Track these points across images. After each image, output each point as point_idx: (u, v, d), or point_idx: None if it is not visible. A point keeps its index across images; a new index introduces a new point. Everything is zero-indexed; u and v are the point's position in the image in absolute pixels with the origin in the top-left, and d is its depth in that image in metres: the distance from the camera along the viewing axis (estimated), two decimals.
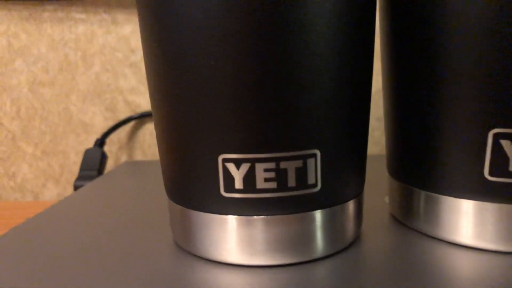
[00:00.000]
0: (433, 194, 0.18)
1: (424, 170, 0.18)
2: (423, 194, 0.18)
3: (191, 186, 0.16)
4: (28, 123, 0.43)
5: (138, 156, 0.43)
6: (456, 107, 0.16)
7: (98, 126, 0.43)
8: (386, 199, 0.24)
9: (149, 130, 0.43)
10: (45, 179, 0.43)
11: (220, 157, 0.15)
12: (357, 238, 0.19)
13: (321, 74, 0.15)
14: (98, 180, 0.32)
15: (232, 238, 0.16)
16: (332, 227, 0.17)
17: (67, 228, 0.21)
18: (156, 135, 0.18)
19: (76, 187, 0.36)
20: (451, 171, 0.17)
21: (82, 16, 0.42)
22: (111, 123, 0.43)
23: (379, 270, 0.16)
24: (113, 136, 0.43)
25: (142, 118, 0.42)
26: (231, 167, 0.15)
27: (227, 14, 0.14)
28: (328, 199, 0.16)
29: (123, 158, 0.44)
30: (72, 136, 0.43)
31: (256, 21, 0.14)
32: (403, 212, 0.20)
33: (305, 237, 0.16)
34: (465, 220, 0.17)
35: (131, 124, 0.43)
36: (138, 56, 0.42)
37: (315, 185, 0.16)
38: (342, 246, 0.17)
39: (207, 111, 0.15)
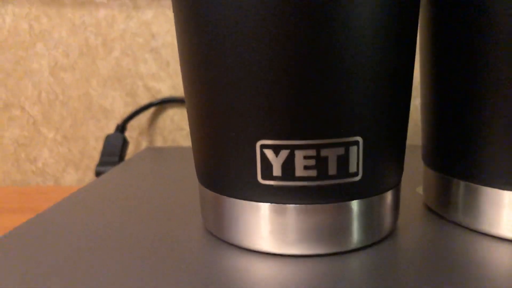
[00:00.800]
0: (474, 185, 0.17)
1: (465, 160, 0.17)
2: (463, 184, 0.18)
3: (227, 173, 0.16)
4: (49, 108, 0.43)
5: (159, 142, 0.43)
6: (500, 99, 0.16)
7: (118, 111, 0.43)
8: (419, 189, 0.23)
9: (169, 116, 0.43)
10: (65, 164, 0.43)
11: (258, 143, 0.15)
12: (394, 229, 0.18)
13: (364, 61, 0.14)
14: (121, 166, 0.32)
15: (267, 226, 0.16)
16: (370, 218, 0.16)
17: (93, 213, 0.21)
18: (189, 120, 0.18)
19: (97, 173, 0.36)
20: (494, 162, 0.16)
21: (103, 0, 0.42)
22: (131, 109, 0.42)
23: (416, 262, 0.16)
24: (133, 122, 0.42)
25: (162, 104, 0.42)
26: (269, 153, 0.15)
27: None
28: (368, 189, 0.16)
29: (144, 144, 0.43)
30: (92, 121, 0.43)
31: (299, 5, 0.13)
32: (440, 203, 0.19)
33: (341, 228, 0.16)
34: (507, 212, 0.17)
35: (151, 110, 0.42)
36: (159, 41, 0.42)
37: (356, 173, 0.15)
38: (379, 238, 0.17)
39: (245, 96, 0.15)
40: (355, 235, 0.16)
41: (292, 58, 0.14)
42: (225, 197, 0.17)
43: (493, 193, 0.17)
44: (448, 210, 0.19)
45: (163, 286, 0.14)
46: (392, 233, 0.18)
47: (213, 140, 0.16)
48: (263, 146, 0.15)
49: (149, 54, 0.42)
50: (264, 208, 0.16)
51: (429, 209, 0.21)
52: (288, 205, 0.15)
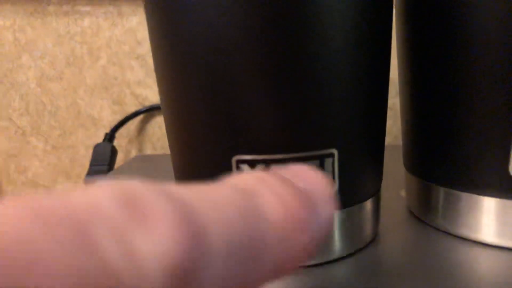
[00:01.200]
0: (454, 191, 0.18)
1: (445, 167, 0.18)
2: (443, 191, 0.18)
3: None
4: (37, 119, 0.43)
5: (148, 149, 0.43)
6: (479, 104, 0.16)
7: (106, 119, 0.43)
8: (403, 192, 0.23)
9: (157, 123, 0.43)
10: (56, 174, 0.43)
11: (234, 159, 0.15)
12: (376, 236, 0.18)
13: (337, 71, 0.14)
14: (111, 175, 0.32)
15: None
16: (350, 227, 0.16)
17: None
18: (167, 135, 0.18)
19: (87, 183, 0.36)
20: (474, 168, 0.17)
21: (87, 9, 0.42)
22: (119, 117, 0.42)
23: (398, 268, 0.16)
24: (122, 130, 0.42)
25: (150, 111, 0.42)
26: (245, 168, 0.15)
27: (239, 9, 0.13)
28: (346, 199, 0.16)
29: (133, 152, 0.43)
30: (81, 130, 0.43)
31: (270, 16, 0.13)
32: (421, 209, 0.20)
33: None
34: (487, 218, 0.17)
35: (139, 117, 0.42)
36: (145, 48, 0.42)
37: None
38: (360, 246, 0.17)
39: (219, 111, 0.15)
40: (336, 245, 0.16)
41: (263, 71, 0.14)
42: None
43: (472, 199, 0.17)
44: (430, 215, 0.19)
45: None
46: (374, 239, 0.18)
47: (190, 155, 0.16)
48: (239, 161, 0.15)
49: (135, 61, 0.42)
50: None
51: (411, 213, 0.21)
52: None
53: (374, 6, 0.15)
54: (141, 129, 0.43)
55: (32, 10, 0.41)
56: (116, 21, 0.42)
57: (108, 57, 0.42)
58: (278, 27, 0.13)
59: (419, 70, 0.18)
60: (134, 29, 0.42)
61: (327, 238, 0.16)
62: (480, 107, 0.16)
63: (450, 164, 0.17)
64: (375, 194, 0.17)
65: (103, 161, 0.38)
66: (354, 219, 0.17)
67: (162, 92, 0.17)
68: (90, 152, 0.43)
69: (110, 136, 0.39)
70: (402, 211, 0.21)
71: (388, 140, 0.42)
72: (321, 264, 0.16)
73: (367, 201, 0.17)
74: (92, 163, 0.38)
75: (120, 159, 0.43)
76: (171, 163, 0.19)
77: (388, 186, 0.24)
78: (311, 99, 0.14)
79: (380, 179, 0.18)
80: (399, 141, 0.42)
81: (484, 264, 0.16)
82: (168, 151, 0.44)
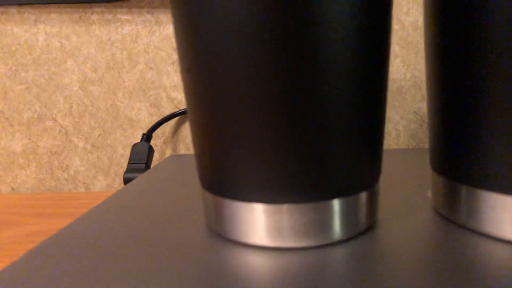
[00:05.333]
0: (478, 190, 0.19)
1: (470, 166, 0.19)
2: (466, 189, 0.19)
3: (228, 177, 0.18)
4: (79, 119, 0.46)
5: (181, 149, 0.46)
6: (502, 102, 0.17)
7: (143, 121, 0.45)
8: (429, 193, 0.25)
9: None
10: (95, 171, 0.46)
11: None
12: (371, 226, 0.20)
13: (336, 65, 0.16)
14: (148, 173, 0.34)
15: (260, 223, 0.18)
16: (348, 215, 0.18)
17: (125, 217, 0.24)
18: (192, 135, 0.20)
19: (125, 179, 0.39)
20: (498, 167, 0.18)
21: (128, 17, 0.44)
22: (155, 118, 0.45)
23: (418, 263, 0.17)
24: (157, 131, 0.45)
25: (185, 114, 0.44)
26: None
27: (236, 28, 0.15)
28: (344, 189, 0.18)
29: (168, 151, 0.46)
30: (119, 131, 0.45)
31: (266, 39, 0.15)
32: (447, 207, 0.21)
33: (325, 223, 0.18)
34: (509, 216, 0.18)
35: (174, 119, 0.45)
36: None
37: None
38: (357, 232, 0.19)
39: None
40: (337, 229, 0.18)
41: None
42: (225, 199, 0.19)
43: (496, 198, 0.18)
44: (454, 213, 0.20)
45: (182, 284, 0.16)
46: (372, 228, 0.20)
47: (212, 146, 0.18)
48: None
49: (171, 67, 0.45)
50: (257, 208, 0.18)
51: (437, 212, 0.22)
52: (279, 205, 0.18)
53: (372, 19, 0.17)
54: (175, 131, 0.45)
55: (77, 19, 0.45)
56: (154, 29, 0.44)
57: (145, 62, 0.45)
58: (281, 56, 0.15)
59: (447, 71, 0.19)
60: (171, 36, 0.44)
61: (328, 222, 0.18)
62: (501, 107, 0.17)
63: (475, 163, 0.19)
64: (373, 186, 0.19)
65: (141, 160, 0.40)
66: (352, 207, 0.18)
67: (186, 88, 0.19)
68: (127, 151, 0.45)
69: (147, 136, 0.42)
70: (428, 211, 0.22)
71: (413, 143, 0.43)
72: (323, 246, 0.18)
73: (366, 190, 0.19)
74: (130, 161, 0.40)
75: (155, 159, 0.45)
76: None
77: (414, 188, 0.26)
78: (312, 91, 0.16)
79: (378, 171, 0.20)
80: (424, 145, 0.43)
81: (505, 260, 0.17)
82: None
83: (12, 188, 0.47)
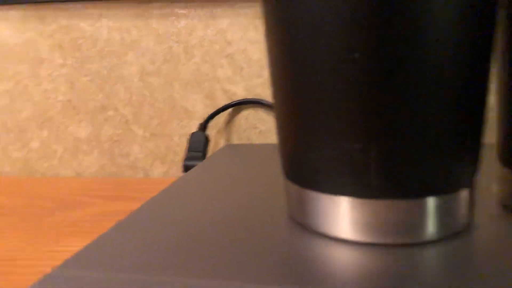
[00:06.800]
0: None
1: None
2: None
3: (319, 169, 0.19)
4: (138, 109, 0.48)
5: (234, 139, 0.48)
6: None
7: (198, 112, 0.47)
8: (495, 188, 0.25)
9: (243, 116, 0.47)
10: (153, 159, 0.49)
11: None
12: (468, 227, 0.20)
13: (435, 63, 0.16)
14: (207, 161, 0.37)
15: (346, 217, 0.18)
16: (444, 214, 0.18)
17: (192, 201, 0.26)
18: (277, 123, 0.21)
19: (185, 166, 0.41)
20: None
21: (184, 11, 0.46)
22: (209, 109, 0.47)
23: (488, 257, 0.17)
24: (212, 121, 0.47)
25: (238, 105, 0.46)
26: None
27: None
28: (440, 186, 0.17)
29: (221, 141, 0.48)
30: (175, 120, 0.48)
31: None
32: None
33: (417, 221, 0.18)
34: None
35: (228, 110, 0.47)
36: (234, 47, 0.46)
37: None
38: (451, 232, 0.19)
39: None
40: (430, 228, 0.18)
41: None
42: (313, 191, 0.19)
43: None
44: None
45: (251, 268, 0.17)
46: (467, 229, 0.20)
47: (304, 142, 0.19)
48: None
49: (225, 59, 0.46)
50: (345, 201, 0.18)
51: (505, 207, 0.22)
52: (365, 199, 0.17)
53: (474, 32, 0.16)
54: (228, 121, 0.47)
55: (137, 14, 0.47)
56: (209, 23, 0.46)
57: (201, 55, 0.47)
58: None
59: None
60: (225, 30, 0.46)
61: (420, 221, 0.17)
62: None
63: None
64: (471, 183, 0.19)
65: (198, 149, 0.43)
66: (448, 205, 0.18)
67: (274, 77, 0.19)
68: (183, 140, 0.48)
69: (203, 126, 0.44)
70: (495, 206, 0.23)
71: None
72: (411, 244, 0.18)
73: (463, 189, 0.18)
74: (189, 149, 0.43)
75: (210, 148, 0.48)
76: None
77: (481, 181, 0.25)
78: (416, 81, 0.16)
79: (477, 167, 0.19)
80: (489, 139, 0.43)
81: None
82: (252, 141, 0.48)
83: (77, 173, 0.50)
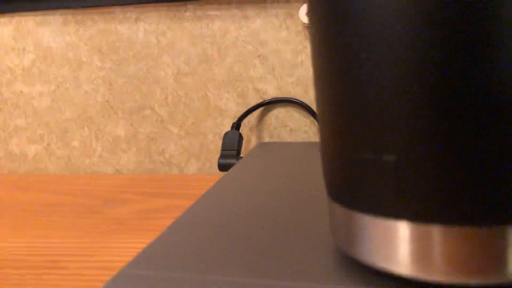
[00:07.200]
0: None
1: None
2: None
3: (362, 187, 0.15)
4: (174, 109, 0.50)
5: (266, 137, 0.49)
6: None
7: (231, 110, 0.49)
8: None
9: (274, 115, 0.48)
10: (188, 156, 0.51)
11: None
12: None
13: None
14: (245, 160, 0.38)
15: (406, 248, 0.14)
16: None
17: (239, 200, 0.27)
18: (322, 139, 0.18)
19: (220, 165, 0.43)
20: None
21: (217, 13, 0.48)
22: (242, 108, 0.49)
23: None
24: (244, 119, 0.49)
25: (269, 104, 0.47)
26: None
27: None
28: None
29: (253, 139, 0.50)
30: (209, 119, 0.50)
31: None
32: None
33: (501, 255, 0.13)
34: None
35: (259, 109, 0.48)
36: (266, 48, 0.47)
37: None
38: None
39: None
40: None
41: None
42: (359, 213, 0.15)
43: None
44: None
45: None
46: None
47: (351, 160, 0.16)
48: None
49: (257, 60, 0.48)
50: (403, 227, 0.14)
51: None
52: (432, 225, 0.13)
53: None
54: (260, 120, 0.49)
55: (172, 16, 0.49)
56: (242, 24, 0.47)
57: (234, 56, 0.48)
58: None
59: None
60: (257, 30, 0.47)
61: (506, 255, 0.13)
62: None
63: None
64: None
65: (232, 147, 0.44)
66: None
67: (319, 81, 0.17)
68: (216, 138, 0.50)
69: (237, 125, 0.46)
70: None
71: None
72: (493, 286, 0.14)
73: None
74: (223, 148, 0.44)
75: (243, 145, 0.49)
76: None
77: None
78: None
79: None
80: None
81: None
82: (283, 139, 0.49)
83: (116, 170, 0.53)
